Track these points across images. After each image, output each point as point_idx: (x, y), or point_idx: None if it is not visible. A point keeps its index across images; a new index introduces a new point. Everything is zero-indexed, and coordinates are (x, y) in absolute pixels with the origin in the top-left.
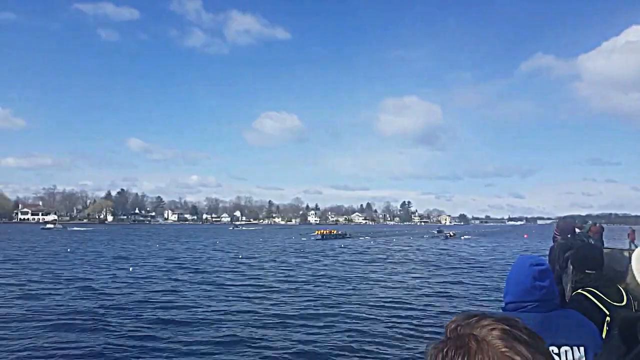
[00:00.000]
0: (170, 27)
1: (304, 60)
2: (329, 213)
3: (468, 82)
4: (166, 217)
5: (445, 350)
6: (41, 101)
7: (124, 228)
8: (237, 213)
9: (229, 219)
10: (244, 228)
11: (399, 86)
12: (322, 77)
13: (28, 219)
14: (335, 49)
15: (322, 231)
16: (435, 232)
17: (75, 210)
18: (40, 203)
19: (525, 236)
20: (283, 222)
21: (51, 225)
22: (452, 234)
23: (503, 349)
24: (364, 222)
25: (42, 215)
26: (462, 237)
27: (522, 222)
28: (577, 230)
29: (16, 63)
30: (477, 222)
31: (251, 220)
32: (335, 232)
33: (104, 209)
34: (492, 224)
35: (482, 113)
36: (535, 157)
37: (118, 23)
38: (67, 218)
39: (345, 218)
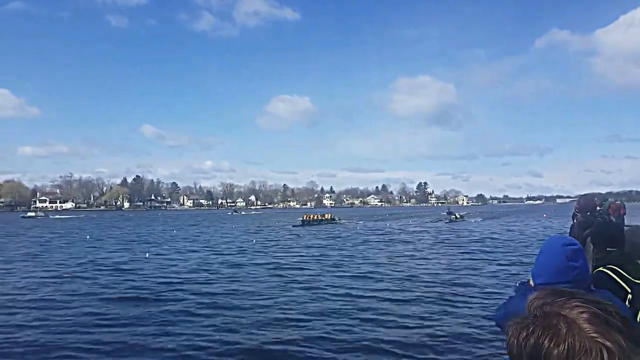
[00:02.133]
0: (179, 11)
1: (315, 41)
2: (344, 196)
3: (482, 59)
4: (182, 202)
5: (531, 328)
6: (54, 89)
7: (115, 216)
8: (252, 198)
9: (244, 203)
10: (243, 213)
11: (411, 66)
12: (334, 59)
13: (46, 206)
14: (346, 30)
15: (307, 215)
16: (446, 213)
17: (92, 198)
18: (58, 191)
19: (544, 215)
20: (298, 206)
21: (32, 214)
22: (458, 216)
23: (593, 334)
24: (379, 204)
25: (60, 202)
26: (472, 220)
27: (540, 202)
28: (597, 208)
29: (28, 52)
30: (495, 202)
31: (266, 204)
32: (329, 215)
33: (121, 196)
34: (510, 203)
35: (498, 91)
36: (552, 134)
37: (127, 9)
38: (85, 205)
39: (361, 200)
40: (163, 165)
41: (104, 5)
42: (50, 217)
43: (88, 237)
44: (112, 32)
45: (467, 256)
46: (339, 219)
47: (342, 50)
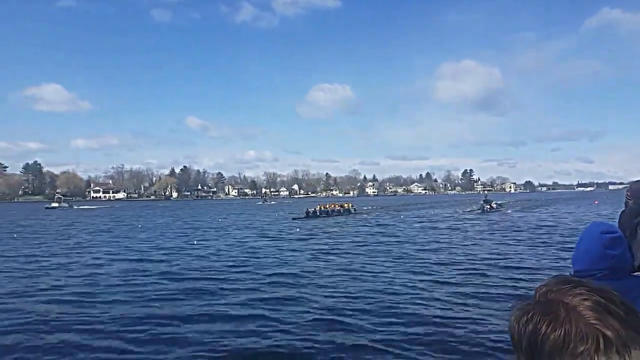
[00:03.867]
0: (220, 3)
1: (355, 29)
2: (387, 184)
3: (529, 42)
4: (227, 192)
5: (530, 314)
6: (103, 84)
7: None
8: (295, 187)
9: (287, 192)
10: (273, 202)
11: (455, 51)
12: (374, 46)
13: (100, 197)
14: (387, 16)
15: (321, 205)
16: (482, 202)
17: (142, 188)
18: (110, 182)
19: (596, 202)
20: (341, 195)
21: (56, 204)
22: (492, 206)
23: (593, 321)
24: (423, 192)
25: (113, 193)
26: (509, 210)
27: (592, 188)
28: None
29: (78, 48)
30: (544, 189)
31: (309, 193)
32: (348, 205)
33: (169, 186)
34: (560, 190)
35: (546, 74)
36: (604, 118)
37: (170, 3)
38: (136, 195)
39: (404, 188)
40: (208, 156)
41: (149, 1)
42: (75, 207)
43: (140, 225)
44: (156, 27)
45: (508, 247)
46: (355, 210)
47: (383, 38)
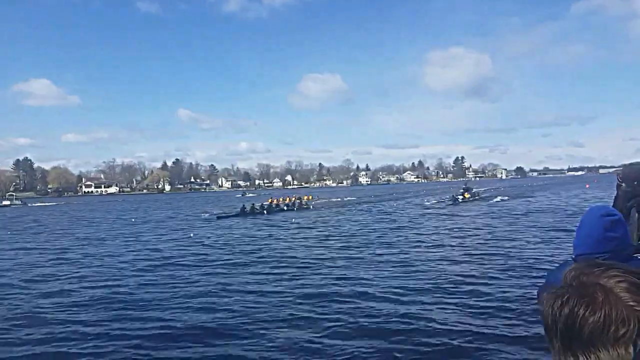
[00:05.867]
0: None
1: (344, 17)
2: (380, 173)
3: (517, 28)
4: (220, 184)
5: (566, 297)
6: (92, 78)
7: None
8: (289, 177)
9: (280, 184)
10: (252, 194)
11: (444, 37)
12: (364, 34)
13: (92, 191)
14: (376, 3)
15: (272, 199)
16: (461, 189)
17: (134, 182)
18: (102, 176)
19: (587, 186)
20: (334, 185)
21: (8, 202)
22: (466, 196)
23: (631, 303)
24: (416, 180)
25: (105, 187)
26: (496, 199)
27: (582, 172)
28: None
29: (65, 42)
30: (535, 174)
31: (303, 184)
32: (309, 197)
33: (161, 179)
34: (551, 175)
35: (535, 60)
36: (594, 103)
37: None
38: (128, 189)
39: (397, 177)
40: (200, 148)
41: None
42: (29, 205)
43: (133, 219)
44: (143, 19)
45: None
46: (308, 203)
47: (372, 25)
